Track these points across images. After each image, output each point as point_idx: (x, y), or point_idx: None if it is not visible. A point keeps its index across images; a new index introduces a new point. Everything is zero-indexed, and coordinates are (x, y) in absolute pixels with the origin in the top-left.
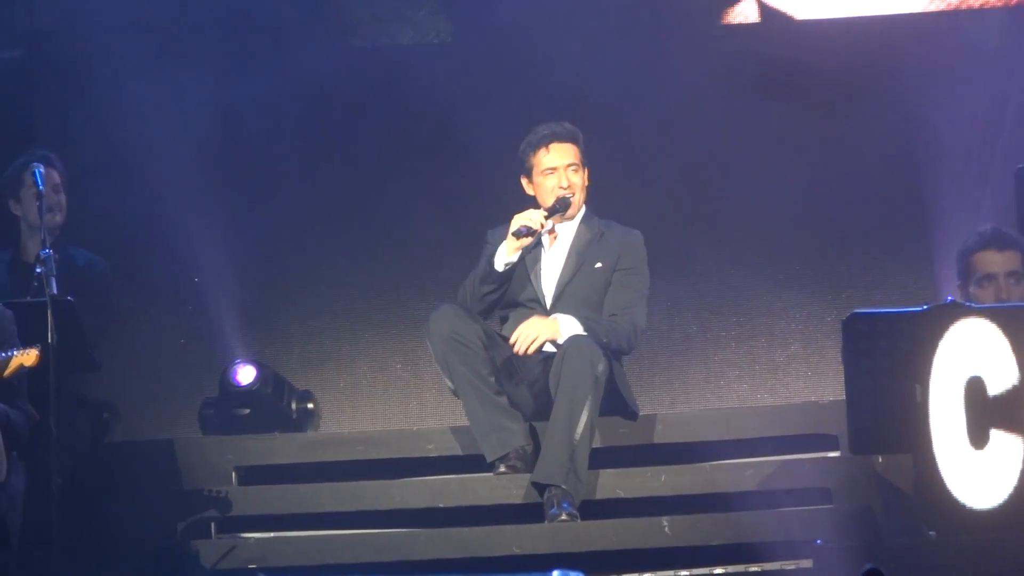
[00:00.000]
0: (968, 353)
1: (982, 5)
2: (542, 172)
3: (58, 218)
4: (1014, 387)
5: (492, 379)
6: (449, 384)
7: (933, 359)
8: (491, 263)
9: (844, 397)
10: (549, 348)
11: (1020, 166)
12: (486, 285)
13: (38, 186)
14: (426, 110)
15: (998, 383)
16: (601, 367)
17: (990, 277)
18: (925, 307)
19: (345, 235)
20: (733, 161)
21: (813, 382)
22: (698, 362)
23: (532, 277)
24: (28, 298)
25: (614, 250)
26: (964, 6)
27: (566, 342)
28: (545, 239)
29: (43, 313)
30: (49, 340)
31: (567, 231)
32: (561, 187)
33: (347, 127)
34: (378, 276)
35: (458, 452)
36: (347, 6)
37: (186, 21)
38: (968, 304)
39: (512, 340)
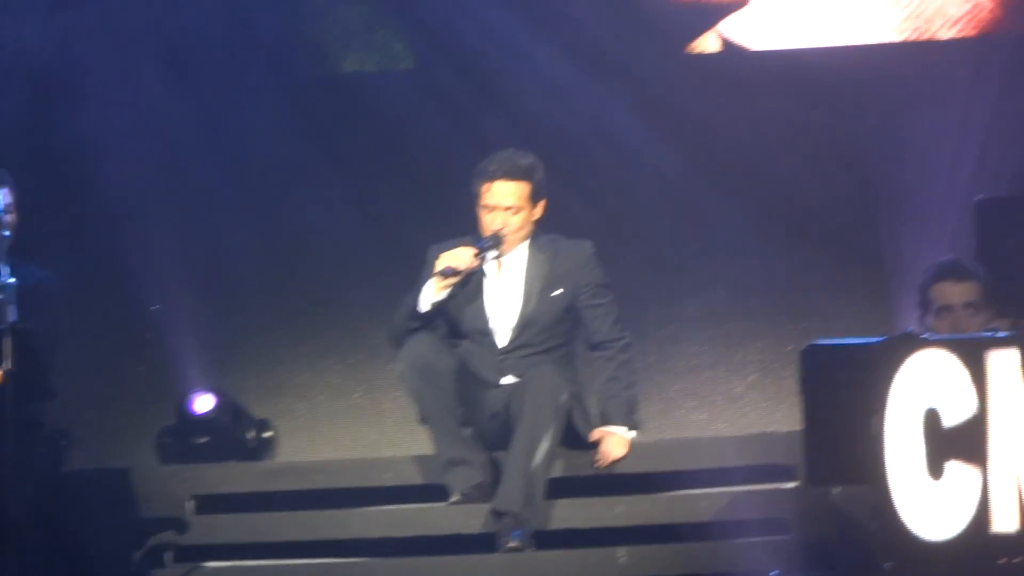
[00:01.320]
0: (926, 384)
1: (942, 36)
2: (481, 206)
3: (6, 241)
4: (971, 419)
5: (460, 411)
6: (417, 413)
7: (890, 390)
8: (416, 301)
9: (801, 428)
10: (510, 380)
11: (978, 197)
12: (413, 322)
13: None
14: (388, 137)
15: (955, 415)
16: (563, 397)
17: (948, 308)
18: (883, 338)
19: (304, 264)
20: (693, 192)
21: (770, 412)
22: (656, 392)
23: (479, 307)
24: None
25: (571, 272)
26: (923, 37)
27: (528, 373)
28: (492, 267)
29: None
30: (5, 368)
31: (517, 258)
32: (494, 229)
33: (309, 154)
34: (336, 304)
35: (416, 481)
36: (310, 34)
37: (127, 45)
38: (926, 335)
39: (597, 462)
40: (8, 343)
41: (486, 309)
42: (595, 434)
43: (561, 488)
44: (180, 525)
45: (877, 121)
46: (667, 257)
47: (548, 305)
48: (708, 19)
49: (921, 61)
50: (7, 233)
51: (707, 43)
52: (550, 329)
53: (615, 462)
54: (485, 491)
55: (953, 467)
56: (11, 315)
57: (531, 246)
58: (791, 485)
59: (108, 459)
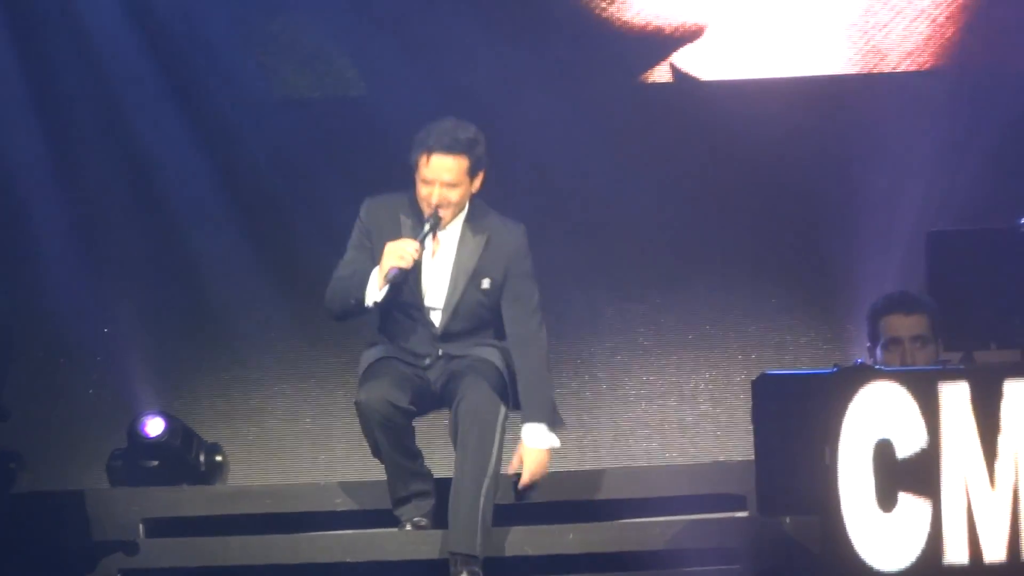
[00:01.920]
0: (877, 416)
1: (892, 69)
2: (419, 179)
3: None
4: (922, 450)
5: (412, 446)
6: (369, 447)
7: (842, 421)
8: (361, 292)
9: (753, 457)
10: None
11: (930, 231)
12: (356, 311)
13: None
14: (339, 163)
15: (907, 446)
16: (502, 413)
17: (896, 341)
18: (834, 369)
19: (256, 287)
20: (644, 220)
21: (722, 442)
22: (607, 420)
23: (415, 285)
24: None
25: (501, 260)
26: (876, 70)
27: (462, 397)
28: (427, 246)
29: None
30: None
31: (450, 237)
32: (432, 203)
33: (261, 179)
34: (288, 329)
35: (368, 506)
36: (264, 59)
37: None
38: (877, 367)
39: (524, 483)
40: None
41: (421, 287)
42: (515, 460)
43: (511, 515)
44: (130, 548)
45: (828, 152)
46: (620, 285)
47: (476, 294)
48: (661, 49)
49: (873, 93)
50: None
51: (660, 73)
52: (481, 316)
53: (537, 479)
54: (434, 517)
55: (905, 498)
56: None
57: (465, 224)
58: (743, 514)
59: (58, 482)
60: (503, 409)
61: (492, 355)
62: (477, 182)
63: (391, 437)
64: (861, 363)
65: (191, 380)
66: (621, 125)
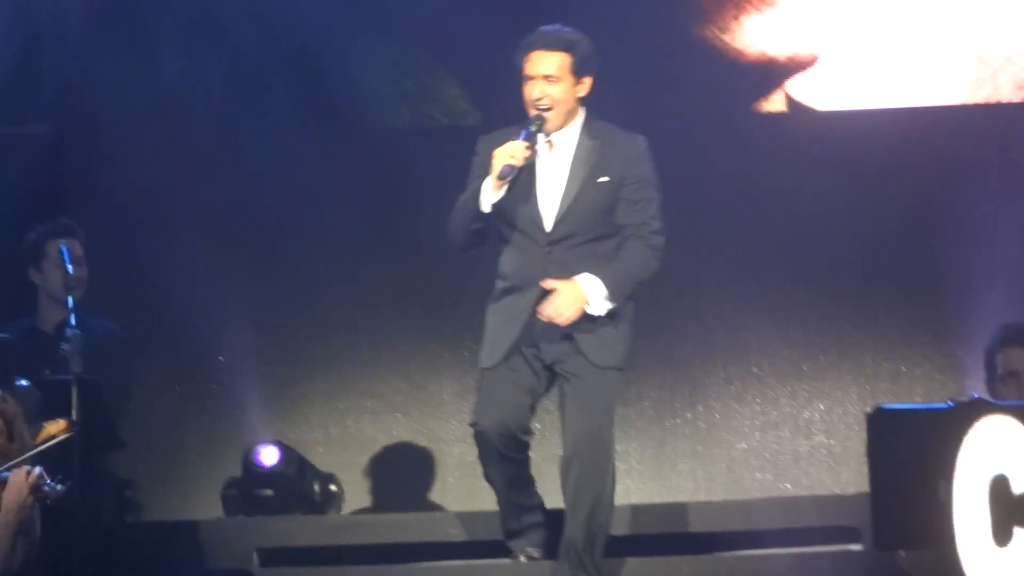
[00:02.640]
0: (993, 450)
1: (1010, 99)
2: (523, 80)
3: (80, 291)
4: None
5: (526, 476)
6: (483, 473)
7: (958, 456)
8: (477, 202)
9: (868, 490)
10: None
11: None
12: (475, 223)
13: (65, 265)
14: (456, 190)
15: (1023, 480)
16: (612, 464)
17: (1015, 374)
18: (950, 404)
19: (372, 316)
20: (759, 250)
21: (836, 473)
22: (721, 450)
23: (528, 201)
24: (48, 371)
25: (619, 162)
26: (991, 99)
27: (574, 455)
28: (543, 148)
29: (67, 391)
30: (74, 419)
31: (567, 140)
32: (533, 98)
33: (378, 206)
34: (402, 359)
35: (480, 537)
36: (379, 88)
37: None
38: (994, 401)
39: (539, 311)
40: (74, 394)
41: (537, 195)
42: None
43: (626, 547)
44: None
45: (945, 182)
46: (733, 315)
47: (594, 191)
48: (776, 78)
49: (991, 122)
50: (77, 284)
51: (775, 102)
52: (596, 217)
53: (560, 317)
54: (546, 547)
55: (1021, 534)
56: (77, 366)
57: (582, 129)
58: (857, 548)
59: (173, 511)
60: (611, 460)
61: (610, 356)
62: (584, 86)
63: (505, 472)
64: (977, 397)
65: (306, 409)
66: (736, 153)
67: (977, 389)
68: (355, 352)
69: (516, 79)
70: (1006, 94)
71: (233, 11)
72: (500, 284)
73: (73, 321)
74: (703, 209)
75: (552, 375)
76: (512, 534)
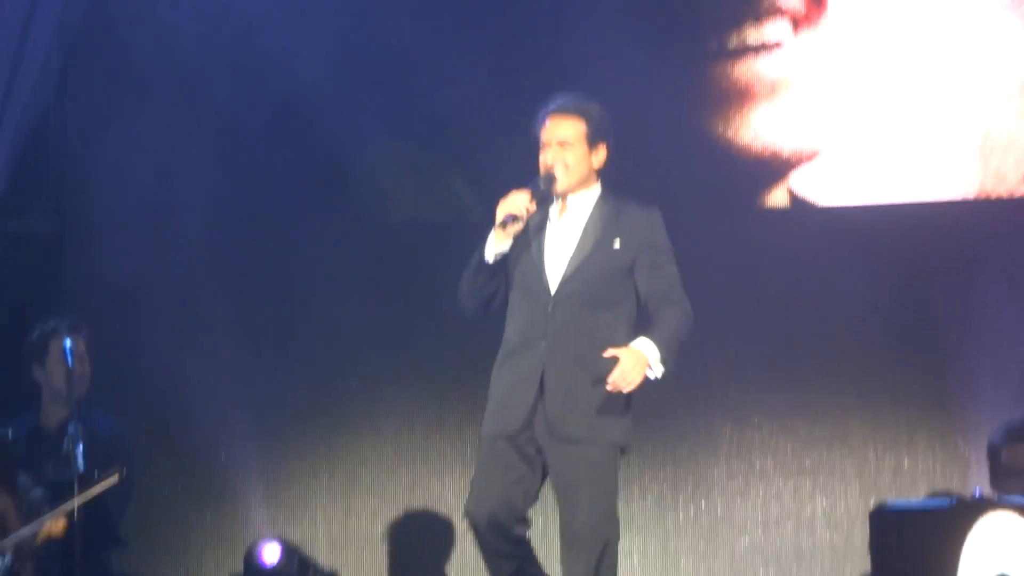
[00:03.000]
0: (997, 549)
1: (1011, 194)
2: (540, 147)
3: (83, 388)
4: None
5: (531, 572)
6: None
7: (961, 555)
8: (482, 253)
9: None
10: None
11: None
12: (479, 276)
13: (68, 362)
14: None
15: None
16: (615, 551)
17: (1019, 471)
18: (952, 501)
19: (372, 414)
20: (762, 343)
21: (839, 569)
22: (724, 546)
23: (535, 262)
24: (50, 469)
25: (634, 229)
26: (993, 195)
27: (574, 541)
28: (555, 212)
29: (70, 489)
30: (75, 518)
31: (582, 206)
32: (547, 164)
33: (378, 298)
34: (405, 457)
35: None
36: (384, 183)
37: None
38: (998, 498)
39: (612, 381)
40: (76, 492)
41: (544, 253)
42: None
43: None
44: None
45: (947, 278)
46: (736, 410)
47: (604, 254)
48: (778, 174)
49: (993, 217)
50: (79, 381)
51: (777, 197)
52: (604, 281)
53: (629, 382)
54: None
55: None
56: (80, 465)
57: (599, 198)
58: None
59: None
60: (615, 537)
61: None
62: (599, 155)
63: (503, 569)
64: (980, 494)
65: (308, 507)
66: (739, 247)
67: (981, 483)
68: (357, 449)
69: (521, 174)
70: (1009, 187)
71: (237, 106)
72: (504, 348)
73: (76, 419)
74: (706, 303)
75: (545, 460)
76: None
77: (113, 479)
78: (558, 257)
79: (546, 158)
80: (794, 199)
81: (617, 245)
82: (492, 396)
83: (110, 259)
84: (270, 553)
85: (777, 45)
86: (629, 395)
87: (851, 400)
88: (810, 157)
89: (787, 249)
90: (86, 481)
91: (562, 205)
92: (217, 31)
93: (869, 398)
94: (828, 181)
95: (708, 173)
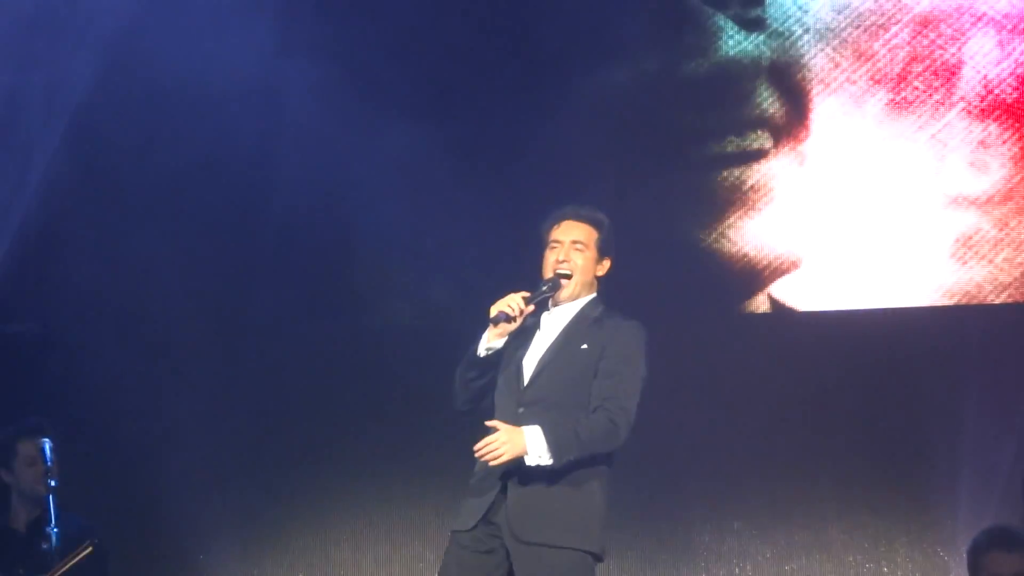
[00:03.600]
0: None
1: (985, 301)
2: (548, 246)
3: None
4: None
5: None
6: None
7: None
8: (474, 349)
9: None
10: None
11: None
12: (471, 371)
13: (46, 461)
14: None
15: None
16: None
17: None
18: None
19: (350, 506)
20: (741, 447)
21: None
22: None
23: (517, 360)
24: (21, 571)
25: (606, 335)
26: (971, 301)
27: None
28: (545, 319)
29: None
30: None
31: (567, 312)
32: (558, 260)
33: (372, 401)
34: (390, 546)
35: None
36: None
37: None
38: None
39: (477, 448)
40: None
41: (525, 356)
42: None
43: None
44: None
45: (924, 384)
46: (715, 517)
47: (572, 357)
48: (760, 281)
49: (970, 324)
50: (53, 483)
51: (759, 303)
52: (571, 383)
53: (495, 453)
54: None
55: None
56: (56, 563)
57: (586, 305)
58: None
59: None
60: None
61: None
62: (604, 266)
63: None
64: None
65: None
66: (721, 351)
67: None
68: (337, 548)
69: (505, 279)
70: (984, 295)
71: (216, 210)
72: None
73: (50, 519)
74: (687, 406)
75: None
76: None
77: (87, 550)
78: (532, 358)
79: (557, 255)
80: (775, 304)
81: (585, 347)
82: (469, 484)
83: (88, 360)
84: None
85: (759, 156)
86: (600, 502)
87: (830, 506)
88: (790, 264)
89: (768, 353)
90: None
91: (550, 304)
92: (193, 136)
93: (848, 504)
94: (807, 287)
95: (691, 279)
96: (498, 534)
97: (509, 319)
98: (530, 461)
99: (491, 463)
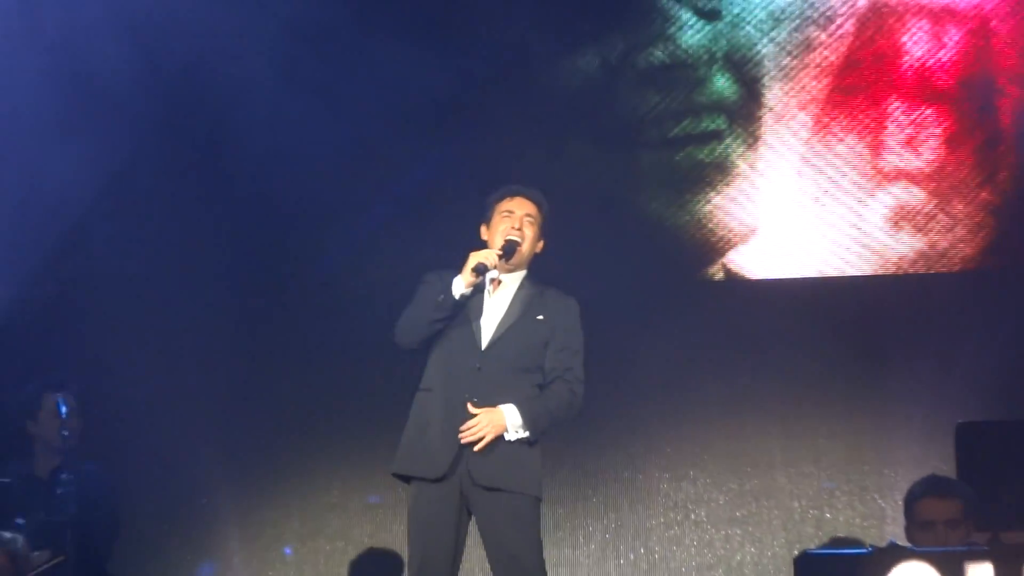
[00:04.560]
0: None
1: (928, 270)
2: (500, 215)
3: (73, 441)
4: None
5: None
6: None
7: None
8: (449, 297)
9: None
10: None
11: (960, 421)
12: (439, 313)
13: (61, 415)
14: None
15: None
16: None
17: (930, 524)
18: (870, 550)
19: (339, 471)
20: (696, 405)
21: None
22: None
23: (469, 323)
24: (43, 513)
25: (555, 309)
26: (912, 270)
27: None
28: (488, 286)
29: (63, 530)
30: (66, 557)
31: (511, 282)
32: (513, 228)
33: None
34: (365, 506)
35: None
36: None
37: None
38: (911, 547)
39: (461, 432)
40: (69, 534)
41: (480, 320)
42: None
43: None
44: None
45: (869, 345)
46: (674, 466)
47: (530, 325)
48: (715, 252)
49: (905, 292)
50: (66, 433)
51: (714, 271)
52: (527, 348)
53: (477, 434)
54: None
55: None
56: (72, 508)
57: (524, 278)
58: None
59: None
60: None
61: (526, 485)
62: (540, 245)
63: (423, 541)
64: (893, 543)
65: (279, 549)
66: (679, 315)
67: (896, 535)
68: (325, 499)
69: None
70: (933, 263)
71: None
72: (425, 393)
73: (66, 464)
74: (647, 368)
75: (469, 505)
76: None
77: (60, 559)
78: (488, 322)
79: (512, 223)
80: (728, 272)
81: (541, 318)
82: (412, 430)
83: (106, 323)
84: None
85: (715, 137)
86: (539, 454)
87: (777, 457)
88: (742, 236)
89: (722, 317)
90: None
91: (496, 280)
92: (210, 127)
93: (794, 455)
94: (759, 257)
95: (653, 249)
96: (456, 481)
97: (486, 269)
98: (510, 437)
99: (476, 447)
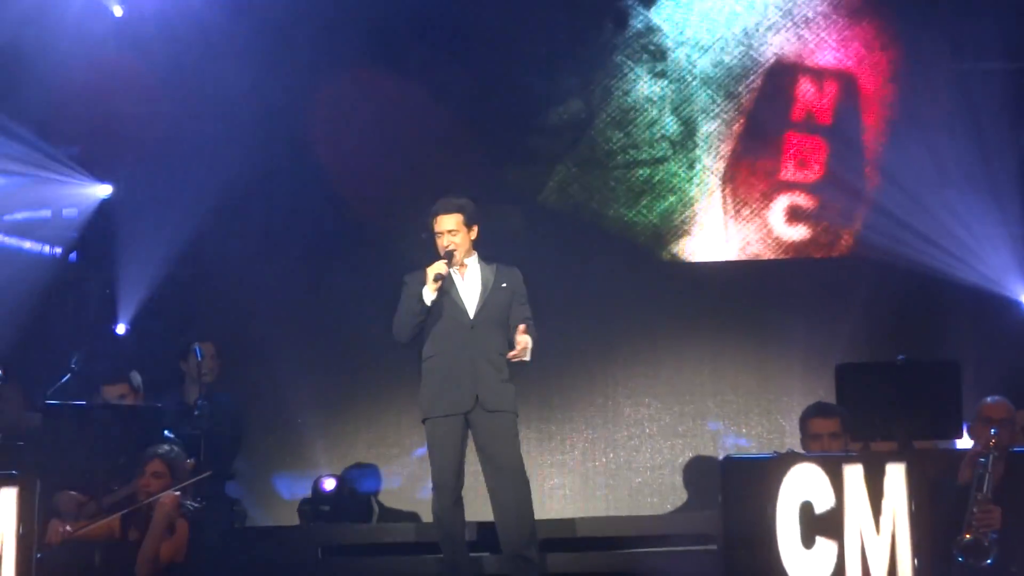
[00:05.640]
0: (802, 485)
1: (815, 255)
2: (435, 234)
3: (210, 378)
4: (830, 509)
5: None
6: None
7: (779, 489)
8: (421, 302)
9: (720, 510)
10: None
11: (838, 363)
12: (417, 317)
13: (197, 357)
14: None
15: (821, 506)
16: (527, 483)
17: (818, 436)
18: (775, 454)
19: (403, 395)
20: (651, 354)
21: (700, 499)
22: (625, 483)
23: (455, 300)
24: (188, 428)
25: (510, 279)
26: (803, 255)
27: (497, 483)
28: (456, 275)
29: (199, 441)
30: (200, 463)
31: (471, 264)
32: (444, 246)
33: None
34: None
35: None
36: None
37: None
38: (804, 453)
39: (520, 349)
40: (202, 443)
41: (462, 298)
42: (519, 338)
43: (557, 545)
44: (312, 566)
45: (770, 309)
46: (635, 395)
47: (500, 294)
48: (663, 241)
49: (799, 270)
50: (205, 372)
51: (663, 255)
52: (500, 309)
53: (530, 349)
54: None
55: (820, 540)
56: (206, 425)
57: (479, 260)
58: (712, 548)
59: (264, 519)
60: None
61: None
62: (474, 231)
63: (454, 547)
64: (791, 451)
65: (356, 453)
66: (636, 290)
67: (793, 445)
68: (391, 414)
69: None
70: (807, 251)
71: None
72: (430, 356)
73: (204, 396)
74: (616, 325)
75: (469, 427)
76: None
77: (206, 474)
78: (469, 295)
79: (442, 242)
80: (672, 256)
81: (504, 285)
82: (432, 385)
83: (233, 294)
84: (328, 484)
85: (663, 160)
86: (513, 382)
87: (707, 388)
88: (683, 230)
89: (669, 289)
90: (195, 472)
91: (461, 268)
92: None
93: (721, 389)
94: (695, 245)
95: (617, 241)
96: (462, 415)
97: (443, 277)
98: (527, 357)
99: (525, 357)
